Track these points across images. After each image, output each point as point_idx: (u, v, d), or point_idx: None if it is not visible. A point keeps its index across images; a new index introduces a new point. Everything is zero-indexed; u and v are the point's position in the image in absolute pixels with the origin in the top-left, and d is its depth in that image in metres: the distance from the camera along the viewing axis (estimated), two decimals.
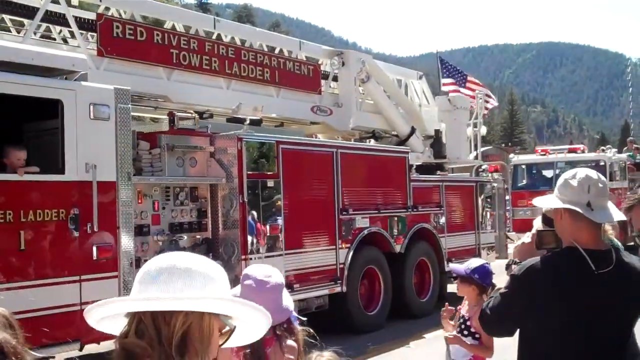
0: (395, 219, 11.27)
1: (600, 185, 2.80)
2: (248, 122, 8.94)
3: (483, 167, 15.00)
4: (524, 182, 20.82)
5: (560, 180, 2.88)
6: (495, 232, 14.18)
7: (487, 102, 15.14)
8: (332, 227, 9.97)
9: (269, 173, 8.98)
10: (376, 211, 10.82)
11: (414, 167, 11.97)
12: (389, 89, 12.79)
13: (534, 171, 20.67)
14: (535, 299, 2.71)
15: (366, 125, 12.41)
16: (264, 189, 8.96)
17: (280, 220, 9.06)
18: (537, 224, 3.74)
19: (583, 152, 20.23)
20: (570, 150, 20.47)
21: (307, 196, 9.60)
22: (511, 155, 21.50)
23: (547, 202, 2.99)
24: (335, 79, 11.75)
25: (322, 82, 11.54)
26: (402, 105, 13.09)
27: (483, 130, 14.82)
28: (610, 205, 2.82)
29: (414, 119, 13.23)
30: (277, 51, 11.00)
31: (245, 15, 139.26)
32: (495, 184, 14.20)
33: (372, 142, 13.28)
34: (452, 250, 12.70)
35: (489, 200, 13.97)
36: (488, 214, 13.94)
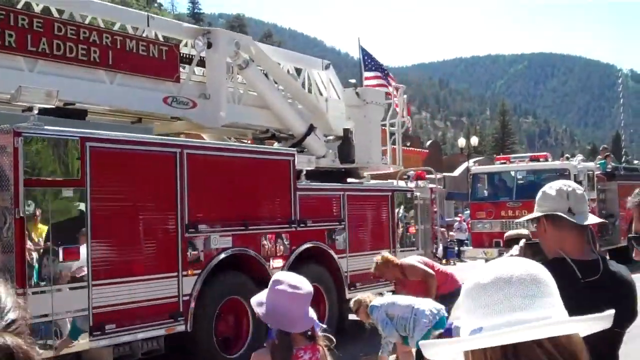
0: (273, 236, 9.08)
1: (579, 192, 2.85)
2: (36, 111, 6.71)
3: (408, 173, 12.83)
4: (485, 192, 18.68)
5: (538, 195, 2.89)
6: (419, 250, 12.00)
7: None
8: (173, 248, 7.76)
9: (65, 179, 6.77)
10: (242, 228, 8.62)
11: (304, 172, 9.78)
12: (279, 78, 10.63)
13: (494, 181, 18.53)
14: None
15: (248, 122, 10.24)
16: (58, 200, 6.75)
17: (84, 242, 6.85)
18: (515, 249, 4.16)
19: (546, 160, 18.07)
20: (532, 159, 18.31)
21: (132, 209, 7.38)
22: (470, 164, 19.35)
23: (528, 216, 2.97)
24: (203, 64, 9.58)
25: (185, 68, 9.38)
26: (299, 99, 10.92)
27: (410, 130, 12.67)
28: (590, 213, 2.86)
29: (315, 115, 11.07)
30: (116, 28, 8.83)
31: (237, 25, 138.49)
32: (418, 194, 12.03)
33: (274, 143, 11.11)
34: (357, 274, 10.51)
35: (411, 213, 11.81)
36: (410, 229, 11.76)
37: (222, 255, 8.27)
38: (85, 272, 6.83)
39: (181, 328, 7.76)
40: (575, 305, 1.55)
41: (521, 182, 17.57)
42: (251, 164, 8.89)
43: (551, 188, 2.85)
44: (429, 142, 59.83)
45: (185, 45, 9.82)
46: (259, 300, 2.93)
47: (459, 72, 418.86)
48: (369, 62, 13.07)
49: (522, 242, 3.63)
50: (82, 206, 6.86)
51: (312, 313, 2.95)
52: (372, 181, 12.65)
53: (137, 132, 8.06)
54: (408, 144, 46.45)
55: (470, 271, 1.46)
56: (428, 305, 6.65)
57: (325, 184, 10.25)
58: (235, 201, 8.64)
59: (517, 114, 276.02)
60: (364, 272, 10.67)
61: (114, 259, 7.15)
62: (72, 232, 6.82)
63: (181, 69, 9.30)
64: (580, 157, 18.36)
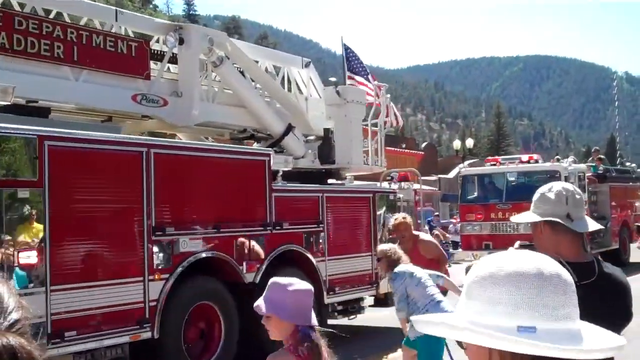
0: (247, 239, 8.77)
1: (577, 196, 2.84)
2: None
3: (392, 174, 12.53)
4: (475, 194, 18.40)
5: (536, 196, 2.88)
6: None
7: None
8: (138, 252, 7.45)
9: (21, 179, 6.46)
10: (215, 230, 8.31)
11: (281, 173, 9.48)
12: (256, 76, 10.31)
13: (484, 183, 18.24)
14: None
15: (224, 121, 9.92)
16: (13, 201, 6.44)
17: (41, 245, 6.53)
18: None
19: (537, 162, 17.77)
20: (522, 161, 18.03)
21: (94, 211, 7.07)
22: (460, 166, 19.07)
23: (525, 218, 2.97)
24: (176, 61, 9.27)
25: (156, 65, 9.07)
26: (277, 98, 10.61)
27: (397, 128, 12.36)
28: (587, 216, 2.88)
29: (294, 115, 10.76)
30: (83, 23, 8.51)
31: (233, 27, 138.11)
32: (401, 195, 11.73)
33: (253, 143, 10.81)
34: (336, 278, 10.21)
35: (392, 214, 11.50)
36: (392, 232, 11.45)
37: (192, 259, 7.95)
38: (43, 277, 6.51)
39: (147, 335, 7.44)
40: None
41: (511, 184, 17.29)
42: (224, 165, 8.58)
43: (550, 191, 2.83)
44: (424, 144, 59.65)
45: (158, 41, 9.51)
46: (275, 305, 3.03)
47: (454, 75, 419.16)
48: (352, 60, 12.77)
49: (517, 243, 3.58)
50: (39, 208, 6.55)
51: (313, 316, 3.12)
52: (355, 182, 12.35)
53: (105, 131, 7.74)
54: (403, 146, 46.08)
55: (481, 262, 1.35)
56: (448, 305, 6.31)
57: (303, 185, 9.95)
58: (206, 203, 8.33)
59: (513, 116, 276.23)
60: (345, 276, 10.39)
61: (75, 263, 6.84)
62: (29, 234, 6.51)
63: (152, 66, 8.99)
64: (571, 158, 18.03)
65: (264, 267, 8.94)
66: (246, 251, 8.73)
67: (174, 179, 7.92)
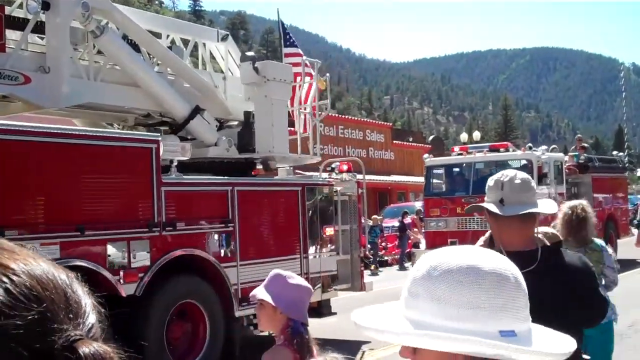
0: (125, 244, 7.24)
1: (517, 181, 2.75)
2: None
3: (333, 165, 10.96)
4: (441, 187, 16.75)
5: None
6: (340, 255, 10.15)
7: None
8: None
9: None
10: (76, 233, 6.77)
11: (175, 163, 7.94)
12: (153, 50, 8.77)
13: (451, 174, 16.58)
14: None
15: (113, 102, 8.38)
16: None
17: None
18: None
19: (507, 150, 16.07)
20: (492, 149, 16.32)
21: None
22: (424, 156, 17.41)
23: (472, 208, 3.10)
24: (41, 30, 7.73)
25: (15, 33, 7.54)
26: (183, 76, 9.05)
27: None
28: (534, 201, 2.75)
29: (205, 96, 9.22)
30: None
31: (239, 22, 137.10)
32: (339, 188, 10.16)
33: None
34: (252, 286, 8.58)
35: (330, 211, 9.97)
36: (328, 230, 9.92)
37: None
38: None
39: None
40: None
41: (480, 175, 15.43)
42: (94, 153, 7.04)
43: (492, 178, 2.84)
44: (431, 138, 58.48)
45: (21, 7, 7.99)
46: (277, 294, 2.98)
47: (461, 67, 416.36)
48: (289, 38, 11.22)
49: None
50: None
51: (306, 313, 3.11)
52: (289, 175, 10.79)
53: None
54: (410, 139, 44.91)
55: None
56: None
57: (205, 178, 8.41)
58: (67, 200, 6.81)
59: (520, 109, 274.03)
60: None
61: None
62: None
63: (12, 37, 7.47)
64: (544, 146, 16.31)
65: (148, 276, 7.40)
66: (123, 257, 7.20)
67: (22, 171, 6.42)
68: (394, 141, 39.24)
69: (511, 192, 2.73)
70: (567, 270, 2.80)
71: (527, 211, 2.72)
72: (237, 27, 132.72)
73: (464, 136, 52.43)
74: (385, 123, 54.17)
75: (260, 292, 3.03)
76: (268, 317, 3.05)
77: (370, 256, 21.52)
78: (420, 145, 42.38)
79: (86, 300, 0.92)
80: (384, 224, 23.65)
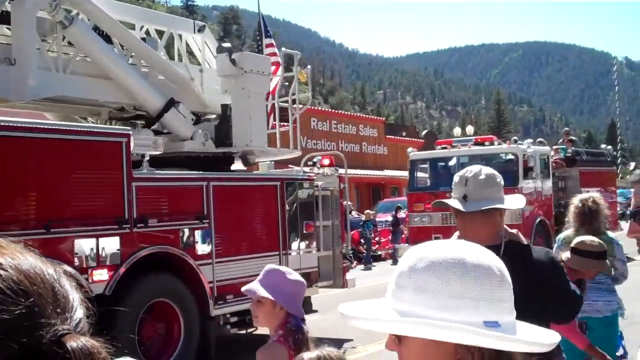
0: (93, 241, 7.00)
1: (482, 177, 2.72)
2: None
3: (314, 159, 10.73)
4: (425, 181, 16.51)
5: None
6: (321, 251, 9.94)
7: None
8: None
9: None
10: (42, 231, 6.53)
11: (147, 158, 7.69)
12: (126, 42, 8.51)
13: (435, 169, 16.35)
14: None
15: (82, 95, 8.11)
16: None
17: None
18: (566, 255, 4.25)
19: (492, 143, 15.85)
20: (477, 142, 16.11)
21: None
22: (408, 150, 17.20)
23: (437, 203, 3.04)
24: (7, 20, 7.47)
25: None
26: (158, 69, 8.80)
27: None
28: (499, 197, 2.72)
29: (181, 88, 8.97)
30: None
31: (231, 17, 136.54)
32: (320, 183, 9.94)
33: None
34: (228, 284, 8.43)
35: (310, 206, 9.74)
36: (308, 226, 9.69)
37: None
38: None
39: None
40: None
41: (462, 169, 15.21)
42: (62, 148, 6.80)
43: (457, 174, 2.83)
44: (424, 132, 58.48)
45: None
46: (275, 288, 2.95)
47: (454, 62, 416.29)
48: (269, 28, 10.99)
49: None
50: None
51: (301, 309, 3.07)
52: (271, 170, 10.56)
53: None
54: (404, 134, 44.81)
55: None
56: None
57: (178, 172, 8.16)
58: (33, 196, 6.57)
59: (513, 103, 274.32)
60: (241, 281, 8.58)
61: None
62: None
63: None
64: (530, 140, 16.07)
65: (119, 274, 7.17)
66: (92, 256, 6.96)
67: None
68: (387, 136, 39.21)
69: (474, 188, 2.72)
70: (533, 266, 2.78)
71: (489, 207, 2.71)
72: (229, 22, 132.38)
73: (457, 130, 52.36)
74: (379, 118, 54.11)
75: (258, 289, 2.98)
76: (267, 314, 3.00)
77: (364, 250, 21.47)
78: (413, 139, 42.30)
79: (74, 295, 0.92)
80: (377, 219, 23.55)
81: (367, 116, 54.68)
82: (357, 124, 37.04)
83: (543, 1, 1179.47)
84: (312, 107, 51.08)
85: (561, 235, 5.54)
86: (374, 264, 20.56)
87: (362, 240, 21.95)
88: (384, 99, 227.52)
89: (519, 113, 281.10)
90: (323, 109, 47.15)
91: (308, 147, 28.30)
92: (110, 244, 7.17)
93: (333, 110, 46.14)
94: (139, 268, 7.45)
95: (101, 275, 7.06)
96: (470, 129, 55.07)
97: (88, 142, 7.10)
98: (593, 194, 5.49)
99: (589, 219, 5.23)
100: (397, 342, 1.22)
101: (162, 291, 7.73)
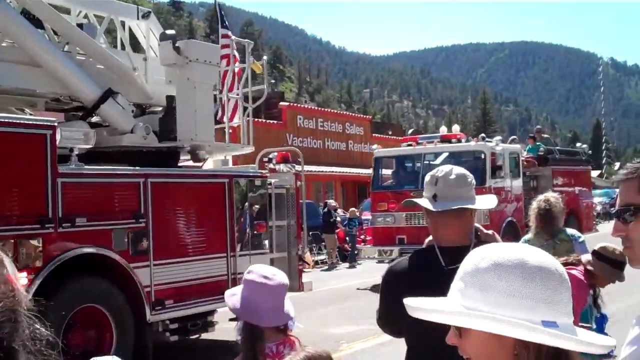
0: (9, 241, 6.41)
1: (452, 176, 2.71)
2: None
3: (270, 155, 10.18)
4: (389, 180, 15.93)
5: None
6: (274, 252, 9.39)
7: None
8: None
9: None
10: None
11: (76, 152, 7.10)
12: (59, 27, 7.91)
13: (400, 167, 15.79)
14: (396, 299, 2.23)
15: (6, 84, 7.52)
16: None
17: None
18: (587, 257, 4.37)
19: (459, 141, 15.32)
20: (443, 139, 15.57)
21: None
22: (373, 147, 16.62)
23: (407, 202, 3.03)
24: None
25: None
26: (95, 57, 8.21)
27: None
28: (470, 196, 2.71)
29: (122, 78, 8.39)
30: None
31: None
32: (273, 180, 9.38)
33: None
34: (168, 288, 7.86)
35: (262, 205, 9.19)
36: (259, 226, 9.14)
37: None
38: None
39: None
40: (440, 292, 1.47)
41: (431, 167, 14.57)
42: None
43: (428, 174, 2.82)
44: (410, 131, 57.97)
45: None
46: (232, 292, 2.82)
47: (440, 61, 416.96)
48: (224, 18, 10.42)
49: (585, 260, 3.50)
50: None
51: (289, 308, 2.78)
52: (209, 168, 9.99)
53: None
54: (390, 132, 44.40)
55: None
56: None
57: (111, 168, 7.56)
58: None
59: (499, 102, 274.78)
60: (182, 285, 8.05)
61: None
62: None
63: None
64: (498, 137, 15.57)
65: (39, 279, 6.59)
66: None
67: None
68: (374, 134, 38.97)
69: (445, 188, 2.71)
70: None
71: (458, 207, 2.68)
72: (215, 18, 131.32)
73: (443, 129, 52.06)
74: (365, 116, 53.84)
75: (237, 309, 2.75)
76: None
77: (349, 249, 21.10)
78: (399, 138, 42.02)
79: None
80: (362, 217, 23.17)
81: (353, 114, 54.34)
82: (344, 122, 36.82)
83: (530, 1, 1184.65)
84: (299, 105, 50.78)
85: (525, 237, 5.54)
86: (359, 262, 20.17)
87: (347, 238, 21.60)
88: (371, 98, 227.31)
89: (505, 112, 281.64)
90: (309, 106, 46.72)
91: (294, 145, 27.82)
92: (31, 246, 6.59)
93: (319, 108, 45.83)
94: (65, 272, 6.88)
95: (21, 277, 6.46)
96: (456, 128, 54.81)
97: (6, 133, 6.51)
98: (549, 195, 5.50)
99: (545, 219, 5.29)
100: (458, 335, 1.28)
101: (91, 296, 7.15)
